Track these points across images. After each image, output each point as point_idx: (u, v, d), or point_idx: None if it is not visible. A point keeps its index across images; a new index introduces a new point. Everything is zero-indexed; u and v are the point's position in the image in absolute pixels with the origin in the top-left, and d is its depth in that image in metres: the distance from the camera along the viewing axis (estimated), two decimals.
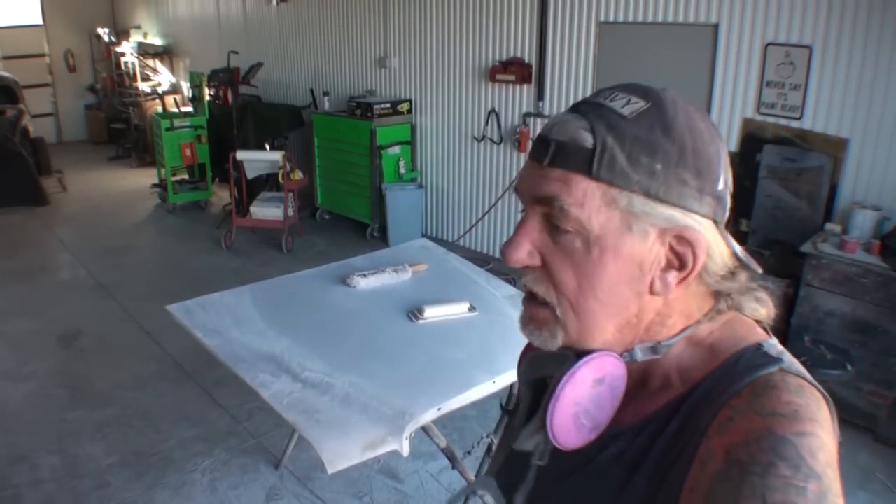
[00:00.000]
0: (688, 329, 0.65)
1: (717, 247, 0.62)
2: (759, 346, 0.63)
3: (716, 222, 0.62)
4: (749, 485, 0.52)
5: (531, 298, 0.66)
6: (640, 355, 0.65)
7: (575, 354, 0.65)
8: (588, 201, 0.59)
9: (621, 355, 0.64)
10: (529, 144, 4.84)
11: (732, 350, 0.64)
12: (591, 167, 0.59)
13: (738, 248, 0.64)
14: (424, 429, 1.98)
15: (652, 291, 0.62)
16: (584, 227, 0.60)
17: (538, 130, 5.25)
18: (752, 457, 0.53)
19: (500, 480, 0.82)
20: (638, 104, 0.60)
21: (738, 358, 0.63)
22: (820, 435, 0.54)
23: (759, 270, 0.65)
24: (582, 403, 0.63)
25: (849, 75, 3.33)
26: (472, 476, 2.32)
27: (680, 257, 0.61)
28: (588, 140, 0.59)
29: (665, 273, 0.61)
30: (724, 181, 0.62)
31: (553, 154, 0.61)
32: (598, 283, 0.61)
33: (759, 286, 0.68)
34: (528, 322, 0.67)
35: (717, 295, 0.66)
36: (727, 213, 0.63)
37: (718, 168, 0.61)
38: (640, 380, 0.68)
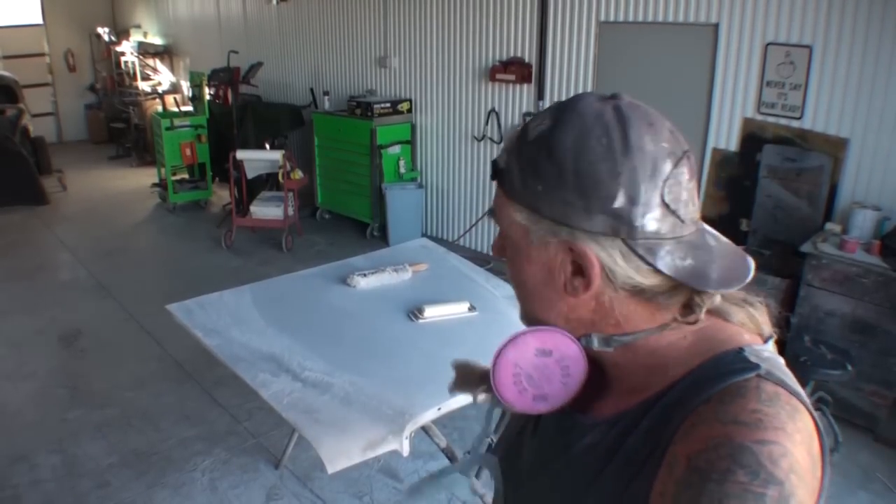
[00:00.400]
0: (643, 332, 0.66)
1: (620, 261, 0.62)
2: (740, 351, 0.63)
3: (624, 238, 0.61)
4: (707, 492, 0.53)
5: None
6: (595, 343, 0.68)
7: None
8: (504, 214, 0.69)
9: (579, 339, 0.69)
10: None
11: (711, 353, 0.64)
12: (502, 184, 0.69)
13: (678, 264, 0.62)
14: (424, 429, 1.98)
15: (567, 293, 0.67)
16: (507, 234, 0.70)
17: None
18: (710, 464, 0.54)
19: (502, 465, 0.87)
20: (543, 125, 0.65)
21: (717, 362, 0.63)
22: (784, 443, 0.54)
23: (710, 288, 0.62)
24: (523, 367, 0.70)
25: (849, 75, 3.33)
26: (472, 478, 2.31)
27: (580, 266, 0.65)
28: (502, 161, 0.69)
29: (573, 278, 0.66)
30: (628, 198, 0.60)
31: (493, 173, 0.71)
32: (522, 280, 0.71)
33: (759, 301, 0.69)
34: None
35: (686, 308, 0.65)
36: (648, 227, 0.61)
37: (613, 187, 0.60)
38: (620, 376, 0.70)
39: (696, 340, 0.66)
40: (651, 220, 0.61)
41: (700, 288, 0.63)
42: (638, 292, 0.64)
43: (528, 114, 4.87)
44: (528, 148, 0.65)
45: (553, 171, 0.62)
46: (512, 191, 0.67)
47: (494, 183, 0.71)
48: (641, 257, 0.62)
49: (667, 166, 0.61)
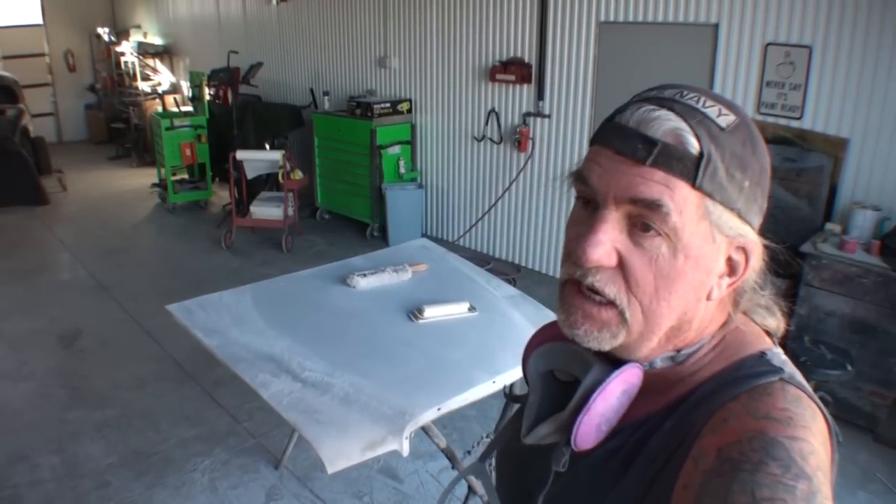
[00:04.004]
0: (705, 338, 0.67)
1: (756, 260, 0.65)
2: (762, 355, 0.64)
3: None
4: (739, 481, 0.53)
5: (588, 297, 0.63)
6: (659, 364, 0.66)
7: (599, 358, 0.66)
8: (686, 209, 0.59)
9: (642, 365, 0.66)
10: (529, 144, 4.89)
11: (736, 357, 0.65)
12: (696, 176, 0.58)
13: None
14: (424, 429, 1.98)
15: (710, 297, 0.63)
16: (676, 233, 0.59)
17: (538, 130, 5.22)
18: (743, 455, 0.54)
19: (504, 469, 0.84)
20: (730, 117, 0.60)
21: (741, 365, 0.64)
22: (812, 441, 0.55)
23: (777, 282, 0.68)
24: (606, 414, 0.65)
25: (849, 75, 3.33)
26: (473, 479, 2.31)
27: (733, 265, 0.63)
28: (694, 147, 0.58)
29: (720, 280, 0.63)
30: (768, 199, 0.65)
31: (657, 155, 0.58)
32: (675, 288, 0.61)
33: (772, 298, 0.70)
34: (583, 321, 0.63)
35: (735, 304, 0.67)
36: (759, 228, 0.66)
37: (768, 187, 0.64)
38: (649, 382, 0.69)
39: (719, 345, 0.67)
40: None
41: (774, 281, 0.68)
42: (747, 291, 0.66)
43: (528, 114, 4.87)
44: (730, 139, 0.59)
45: (757, 168, 0.61)
46: (712, 184, 0.58)
47: (642, 170, 0.58)
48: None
49: None
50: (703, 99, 0.60)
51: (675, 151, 0.58)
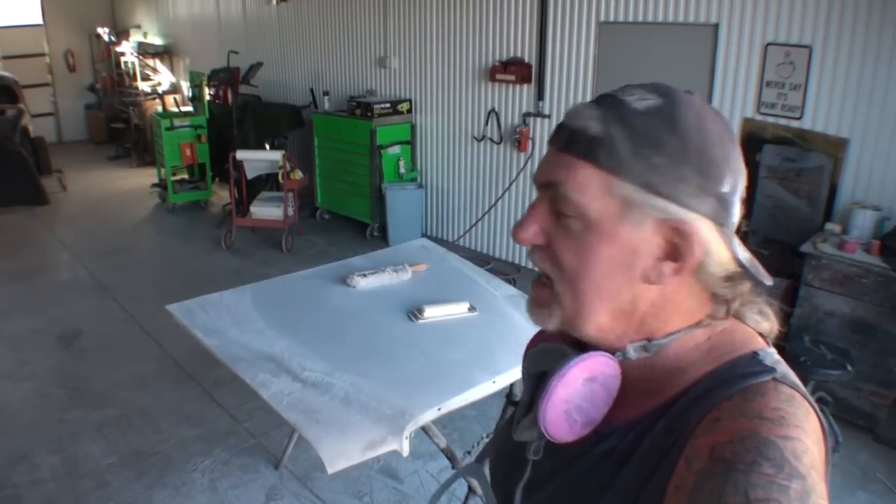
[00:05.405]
0: (681, 332, 0.66)
1: (715, 247, 0.63)
2: (755, 355, 0.64)
3: (720, 224, 0.63)
4: (733, 482, 0.53)
5: (538, 281, 0.69)
6: (632, 354, 0.66)
7: (574, 348, 0.68)
8: (588, 187, 0.62)
9: (614, 354, 0.67)
10: (529, 144, 4.89)
11: (728, 357, 0.64)
12: (594, 155, 0.62)
13: (745, 256, 0.65)
14: (424, 429, 1.98)
15: (646, 279, 0.63)
16: (583, 211, 0.63)
17: (538, 130, 5.24)
18: (736, 455, 0.54)
19: (497, 468, 0.85)
20: (651, 100, 0.62)
21: (733, 365, 0.63)
22: (805, 441, 0.56)
23: (768, 281, 0.65)
24: (573, 401, 0.66)
25: (849, 75, 3.33)
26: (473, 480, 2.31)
27: (675, 248, 0.62)
28: (596, 128, 0.62)
29: (660, 262, 0.63)
30: (732, 185, 0.63)
31: (564, 140, 0.64)
32: (594, 265, 0.63)
33: (765, 300, 0.69)
34: (532, 303, 0.70)
35: (715, 299, 0.66)
36: (733, 217, 0.64)
37: (724, 171, 0.62)
38: (638, 380, 0.69)
39: (712, 344, 0.66)
40: (736, 210, 0.64)
41: (760, 279, 0.65)
42: (716, 282, 0.65)
43: (528, 114, 4.87)
44: (643, 119, 0.61)
45: (677, 146, 0.60)
46: (614, 162, 0.61)
47: (562, 153, 0.64)
48: (728, 245, 0.63)
49: (742, 164, 0.65)
50: (632, 90, 0.64)
51: (578, 135, 0.63)
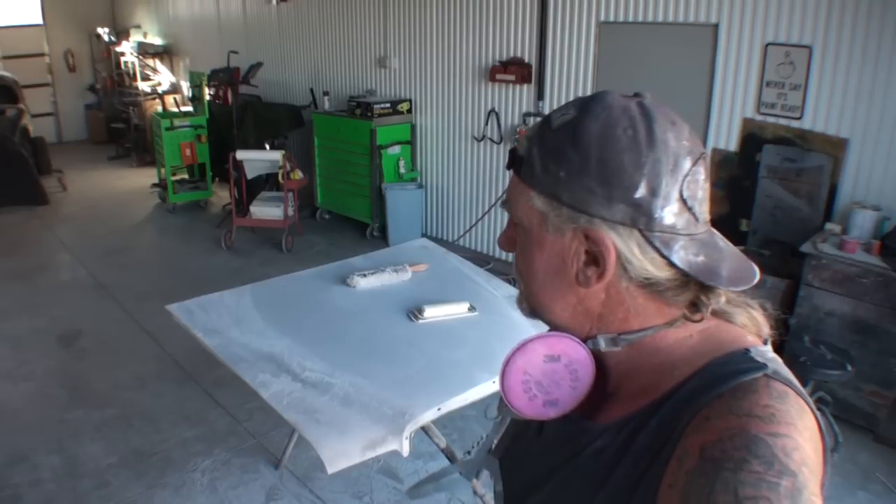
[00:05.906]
0: (651, 329, 0.67)
1: (637, 252, 0.63)
2: (746, 352, 0.64)
3: (642, 229, 0.62)
4: (722, 480, 0.53)
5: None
6: (602, 344, 0.69)
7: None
8: (519, 201, 0.69)
9: (585, 341, 0.69)
10: None
11: (718, 353, 0.65)
12: (520, 172, 0.69)
13: (692, 260, 0.63)
14: (424, 429, 1.98)
15: (578, 283, 0.67)
16: (519, 222, 0.70)
17: None
18: (725, 453, 0.54)
19: (508, 468, 0.86)
20: (567, 115, 0.66)
21: (724, 362, 0.63)
22: (796, 437, 0.55)
23: (729, 285, 0.63)
24: (532, 374, 0.70)
25: (849, 75, 3.33)
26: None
27: (595, 255, 0.65)
28: (522, 148, 0.69)
29: (586, 268, 0.66)
30: (650, 189, 0.61)
31: (509, 160, 0.72)
32: (535, 269, 0.70)
33: (758, 302, 0.70)
34: (516, 299, 0.79)
35: (693, 306, 0.66)
36: (663, 221, 0.62)
37: (636, 177, 0.61)
38: (626, 377, 0.70)
39: (701, 340, 0.67)
40: (669, 214, 0.62)
41: (712, 284, 0.64)
42: (649, 285, 0.65)
43: (528, 114, 4.87)
44: (553, 136, 0.66)
45: (576, 159, 0.63)
46: (531, 177, 0.67)
47: (510, 172, 0.72)
48: (657, 249, 0.63)
49: (687, 163, 0.63)
50: (563, 107, 0.68)
51: (514, 155, 0.70)
